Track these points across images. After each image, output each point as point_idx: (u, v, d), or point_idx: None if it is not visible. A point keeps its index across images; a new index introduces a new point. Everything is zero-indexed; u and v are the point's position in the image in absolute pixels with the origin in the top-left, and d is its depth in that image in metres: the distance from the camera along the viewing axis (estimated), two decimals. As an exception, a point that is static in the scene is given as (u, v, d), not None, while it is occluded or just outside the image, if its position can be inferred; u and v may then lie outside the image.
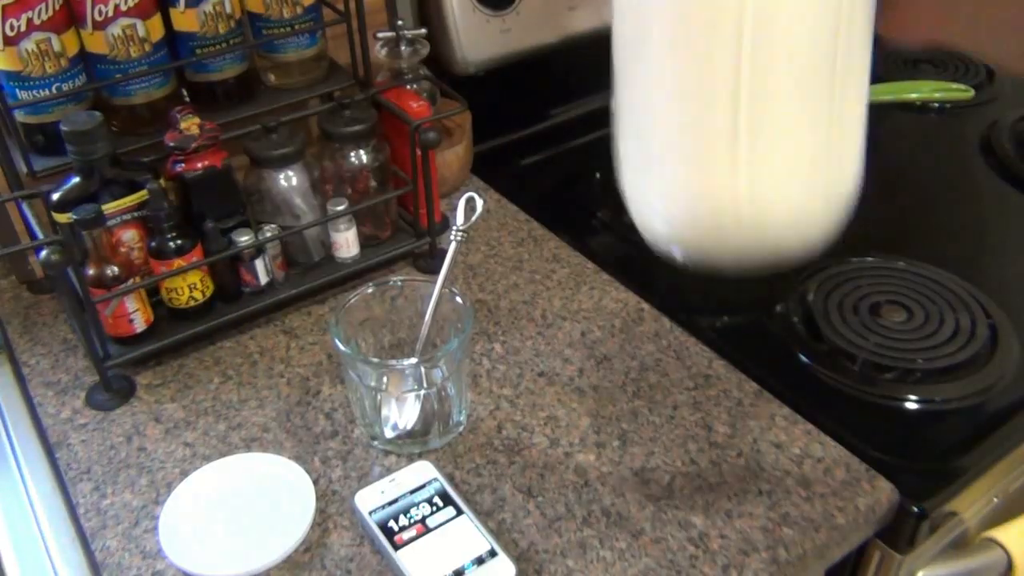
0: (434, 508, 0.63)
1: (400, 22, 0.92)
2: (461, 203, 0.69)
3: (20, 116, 0.73)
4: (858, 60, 0.38)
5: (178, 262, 0.74)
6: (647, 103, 0.37)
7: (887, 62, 1.25)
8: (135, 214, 0.74)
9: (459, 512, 0.63)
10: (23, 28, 0.69)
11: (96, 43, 0.73)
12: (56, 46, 0.71)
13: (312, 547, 0.62)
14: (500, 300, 0.84)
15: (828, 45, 0.34)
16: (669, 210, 0.38)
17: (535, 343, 0.79)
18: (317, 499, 0.64)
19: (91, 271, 0.71)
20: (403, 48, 0.92)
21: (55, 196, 0.70)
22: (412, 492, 0.64)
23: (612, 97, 0.39)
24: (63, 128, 0.68)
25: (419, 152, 0.81)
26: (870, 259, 0.87)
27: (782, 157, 0.37)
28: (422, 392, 0.67)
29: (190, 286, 0.76)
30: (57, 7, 0.70)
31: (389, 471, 0.67)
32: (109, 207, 0.71)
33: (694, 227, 0.39)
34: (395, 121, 0.83)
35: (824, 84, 0.36)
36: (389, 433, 0.68)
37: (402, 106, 0.84)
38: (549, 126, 1.12)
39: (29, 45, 0.70)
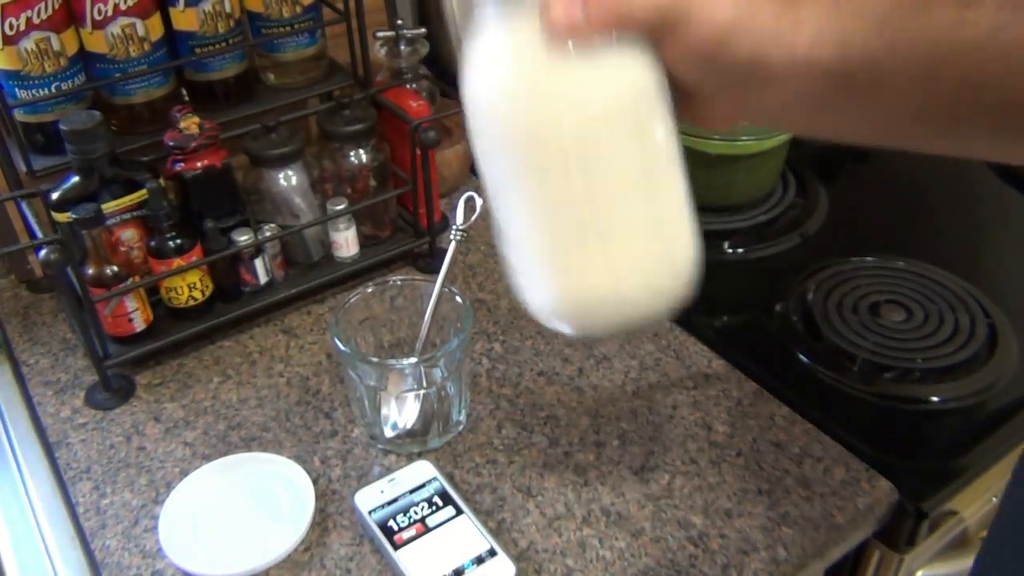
0: (434, 507, 0.63)
1: (399, 21, 0.92)
2: (461, 202, 0.69)
3: (19, 115, 0.73)
4: (671, 157, 0.45)
5: (177, 261, 0.74)
6: (509, 227, 0.47)
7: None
8: (134, 213, 0.74)
9: (459, 512, 0.63)
10: (22, 27, 0.69)
11: (95, 42, 0.73)
12: (55, 45, 0.71)
13: (312, 546, 0.62)
14: (500, 299, 0.84)
15: (640, 157, 0.43)
16: (544, 304, 0.46)
17: (535, 342, 0.79)
18: (317, 498, 0.64)
19: (90, 270, 0.71)
20: (403, 47, 0.92)
21: (54, 195, 0.70)
22: (412, 491, 0.64)
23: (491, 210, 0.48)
24: (62, 127, 0.68)
25: (419, 151, 0.81)
26: (870, 259, 0.87)
27: (626, 254, 0.44)
28: (422, 392, 0.67)
29: (189, 285, 0.76)
30: (56, 6, 0.70)
31: (389, 471, 0.67)
32: (108, 206, 0.71)
33: (566, 316, 0.47)
34: (395, 120, 0.83)
35: (647, 186, 0.44)
36: (389, 432, 0.68)
37: (401, 105, 0.83)
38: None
39: (28, 44, 0.70)
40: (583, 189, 0.42)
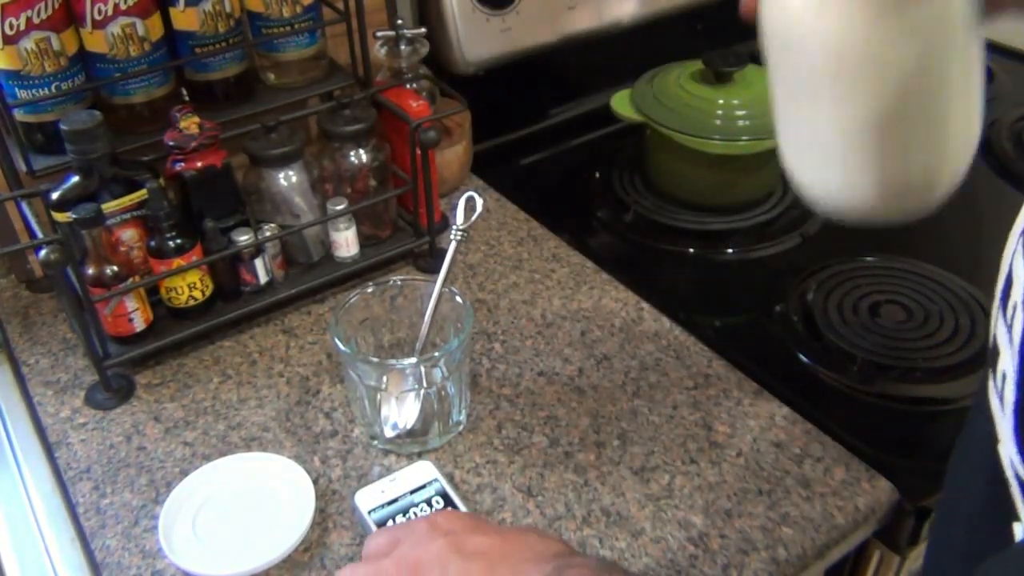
0: (434, 508, 0.63)
1: (400, 21, 0.92)
2: (461, 202, 0.69)
3: (19, 115, 0.73)
4: (981, 58, 0.47)
5: (178, 261, 0.74)
6: (815, 127, 0.49)
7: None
8: (134, 213, 0.74)
9: None
10: (22, 27, 0.69)
11: (95, 42, 0.73)
12: (55, 45, 0.71)
13: (312, 546, 0.62)
14: (500, 299, 0.84)
15: (962, 62, 0.46)
16: (844, 194, 0.50)
17: (535, 342, 0.79)
18: (317, 498, 0.64)
19: (90, 270, 0.71)
20: (403, 47, 0.92)
21: (54, 195, 0.70)
22: (412, 492, 0.64)
23: (776, 106, 0.50)
24: (62, 127, 0.68)
25: (419, 151, 0.81)
26: (870, 259, 0.87)
27: (943, 146, 0.48)
28: (422, 391, 0.67)
29: (189, 285, 0.76)
30: (56, 6, 0.70)
31: (389, 470, 0.67)
32: (108, 206, 0.71)
33: (870, 204, 0.51)
34: (395, 120, 0.83)
35: (963, 85, 0.47)
36: (389, 433, 0.68)
37: (402, 105, 0.83)
38: (549, 126, 1.12)
39: (28, 44, 0.70)
40: (916, 92, 0.45)
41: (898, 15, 0.43)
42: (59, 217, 0.70)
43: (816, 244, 0.92)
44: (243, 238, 0.77)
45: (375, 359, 0.69)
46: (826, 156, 0.49)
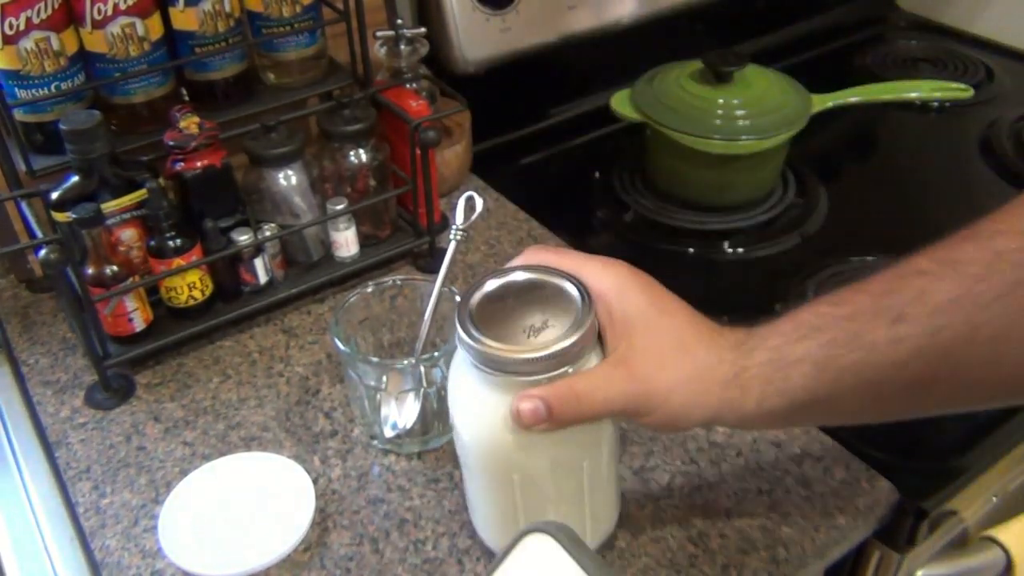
0: None
1: (399, 21, 0.92)
2: (460, 202, 0.68)
3: (19, 115, 0.73)
4: (611, 470, 0.58)
5: (177, 261, 0.74)
6: (477, 500, 0.60)
7: (886, 61, 1.25)
8: (134, 213, 0.74)
9: None
10: (22, 27, 0.69)
11: (95, 42, 0.73)
12: (55, 45, 0.71)
13: (312, 546, 0.62)
14: (500, 299, 0.84)
15: (584, 478, 0.55)
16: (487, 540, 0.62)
17: (535, 342, 0.79)
18: (317, 498, 0.64)
19: (90, 270, 0.71)
20: (402, 47, 0.92)
21: (54, 195, 0.70)
22: None
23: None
24: (62, 127, 0.68)
25: (418, 151, 0.81)
26: (870, 259, 0.87)
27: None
28: (422, 391, 0.67)
29: (189, 285, 0.76)
30: (56, 6, 0.70)
31: (389, 470, 0.67)
32: (108, 206, 0.71)
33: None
34: (394, 120, 0.83)
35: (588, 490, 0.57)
36: (389, 432, 0.68)
37: (401, 105, 0.83)
38: (549, 125, 1.12)
39: (28, 44, 0.70)
40: (543, 499, 0.55)
41: (543, 452, 0.52)
42: (59, 217, 0.69)
43: (816, 244, 0.92)
44: (243, 238, 0.77)
45: (375, 359, 0.69)
46: (477, 512, 0.61)
